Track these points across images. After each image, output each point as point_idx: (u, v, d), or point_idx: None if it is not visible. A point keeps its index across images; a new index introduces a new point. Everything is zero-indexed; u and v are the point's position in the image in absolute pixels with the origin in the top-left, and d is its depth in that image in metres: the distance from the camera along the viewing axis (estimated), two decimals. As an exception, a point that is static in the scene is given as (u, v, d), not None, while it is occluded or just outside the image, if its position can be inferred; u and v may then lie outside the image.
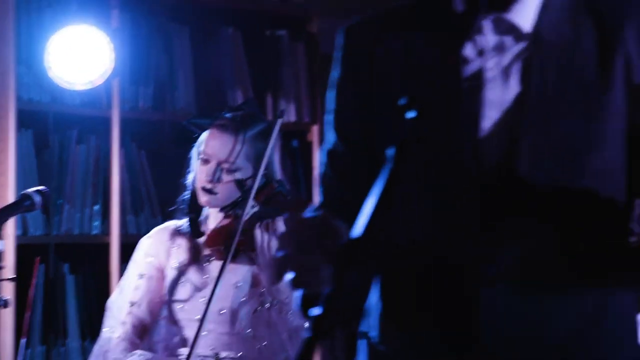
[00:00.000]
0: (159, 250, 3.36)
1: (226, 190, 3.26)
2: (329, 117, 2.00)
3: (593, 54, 1.84)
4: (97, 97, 4.44)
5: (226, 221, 3.23)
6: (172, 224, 3.41)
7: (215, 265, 3.26)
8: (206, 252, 3.30)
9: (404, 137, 1.55)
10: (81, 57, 4.18)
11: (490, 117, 1.84)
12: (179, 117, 4.50)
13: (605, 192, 1.82)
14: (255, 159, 3.24)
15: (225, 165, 3.26)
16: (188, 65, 4.73)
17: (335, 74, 1.99)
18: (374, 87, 1.92)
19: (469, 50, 1.87)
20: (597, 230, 1.82)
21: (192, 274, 3.31)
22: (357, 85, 1.95)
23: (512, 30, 1.87)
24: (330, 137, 1.99)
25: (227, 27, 4.84)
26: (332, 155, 1.99)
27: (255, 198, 3.13)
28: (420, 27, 1.91)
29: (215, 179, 3.25)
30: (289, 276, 1.66)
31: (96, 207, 4.43)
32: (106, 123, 4.46)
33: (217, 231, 3.21)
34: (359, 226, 1.46)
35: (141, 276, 3.33)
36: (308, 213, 1.68)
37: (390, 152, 1.53)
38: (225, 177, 3.26)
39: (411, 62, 1.88)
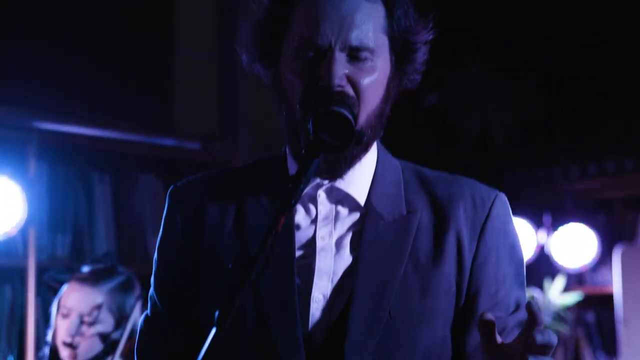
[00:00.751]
0: None
1: (88, 344, 3.23)
2: (151, 281, 1.97)
3: (426, 230, 1.86)
4: (12, 245, 4.41)
5: None
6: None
7: None
8: None
9: (230, 302, 1.54)
10: (-7, 208, 4.17)
11: (320, 286, 1.83)
12: (97, 264, 4.46)
13: None
14: (117, 311, 3.23)
15: (87, 319, 3.24)
16: (109, 212, 4.72)
17: (160, 235, 1.96)
18: (199, 250, 1.89)
19: (301, 218, 1.87)
20: None
21: None
22: (180, 248, 1.91)
23: (346, 200, 1.88)
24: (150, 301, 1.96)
25: (148, 174, 4.85)
26: (149, 320, 1.95)
27: (122, 352, 3.11)
28: (253, 190, 1.90)
29: (76, 332, 3.23)
30: None
31: (10, 359, 4.36)
32: (22, 272, 4.42)
33: None
34: None
35: None
36: None
37: (216, 315, 1.52)
38: (87, 331, 3.24)
39: (241, 225, 1.87)
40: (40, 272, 4.43)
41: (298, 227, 1.87)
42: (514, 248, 1.92)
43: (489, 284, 1.87)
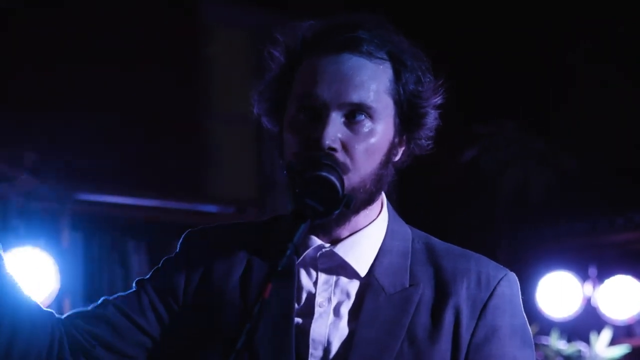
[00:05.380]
0: None
1: None
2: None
3: (426, 304, 1.83)
4: (48, 317, 4.40)
5: None
6: None
7: None
8: None
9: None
10: (27, 280, 4.17)
11: (315, 356, 1.81)
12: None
13: None
14: None
15: None
16: (145, 280, 4.71)
17: (162, 262, 1.96)
18: (199, 298, 1.88)
19: (304, 281, 1.86)
20: None
21: None
22: (174, 281, 1.91)
23: (346, 268, 1.85)
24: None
25: (183, 240, 4.85)
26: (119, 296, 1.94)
27: None
28: (262, 247, 1.88)
29: None
30: None
31: None
32: (58, 344, 4.40)
33: None
34: None
35: None
36: None
37: None
38: None
39: (246, 281, 1.86)
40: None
41: (300, 290, 1.85)
42: (522, 330, 1.87)
43: None
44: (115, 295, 1.94)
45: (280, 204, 5.47)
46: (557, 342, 5.56)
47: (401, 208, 1.97)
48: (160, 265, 1.95)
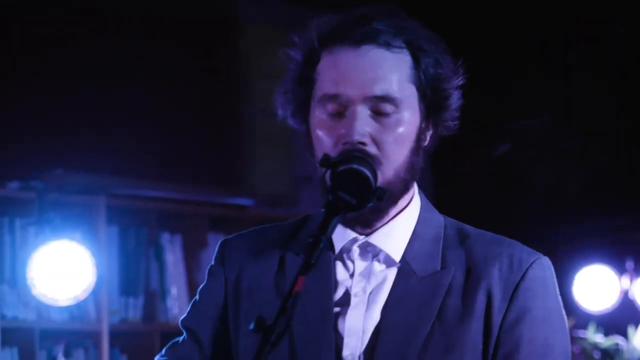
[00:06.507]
0: None
1: None
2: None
3: (458, 287, 1.83)
4: (84, 310, 4.43)
5: None
6: None
7: None
8: None
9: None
10: (64, 273, 4.20)
11: (350, 346, 1.82)
12: (170, 327, 4.48)
13: None
14: None
15: None
16: (180, 273, 4.73)
17: (205, 281, 1.97)
18: (239, 303, 1.89)
19: (340, 272, 1.86)
20: None
21: None
22: (218, 297, 1.92)
23: (381, 256, 1.86)
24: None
25: (219, 234, 4.85)
26: (173, 344, 1.95)
27: None
28: (296, 246, 1.89)
29: None
30: None
31: None
32: (95, 336, 4.43)
33: None
34: None
35: None
36: None
37: None
38: None
39: (281, 280, 1.87)
40: (113, 336, 4.44)
41: (336, 282, 1.85)
42: (555, 313, 1.85)
43: (522, 347, 1.81)
44: (164, 351, 1.96)
45: (315, 200, 5.46)
46: (594, 336, 5.53)
47: (436, 203, 1.97)
48: (197, 296, 1.97)
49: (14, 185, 4.28)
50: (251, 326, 1.59)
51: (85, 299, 4.27)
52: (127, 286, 4.56)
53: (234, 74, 5.34)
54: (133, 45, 4.88)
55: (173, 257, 4.74)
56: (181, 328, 1.96)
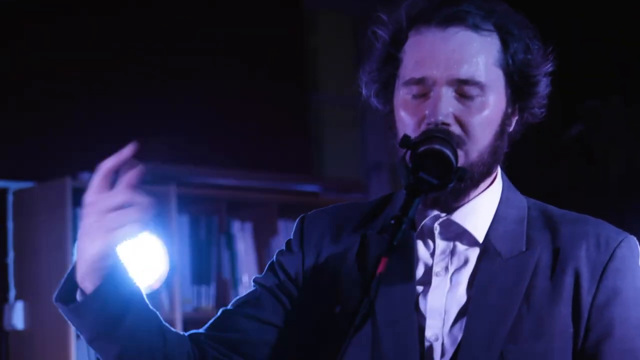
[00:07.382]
0: None
1: None
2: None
3: (545, 268, 1.80)
4: (158, 300, 4.46)
5: None
6: None
7: None
8: None
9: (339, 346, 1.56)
10: (137, 263, 4.23)
11: (433, 326, 1.80)
12: (243, 315, 4.49)
13: None
14: None
15: None
16: (251, 261, 4.74)
17: (282, 249, 1.98)
18: (317, 283, 1.90)
19: (421, 251, 1.85)
20: None
21: None
22: (291, 268, 1.93)
23: (463, 235, 1.84)
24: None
25: (289, 221, 4.85)
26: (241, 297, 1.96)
27: None
28: (377, 224, 1.89)
29: None
30: None
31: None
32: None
33: None
34: None
35: None
36: None
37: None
38: None
39: (363, 257, 1.83)
40: (186, 324, 4.46)
41: (417, 261, 1.84)
42: None
43: (615, 329, 1.78)
44: (234, 301, 1.97)
45: (384, 187, 5.44)
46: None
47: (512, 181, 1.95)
48: (274, 258, 1.97)
49: (85, 176, 4.31)
50: (337, 309, 1.58)
51: (159, 288, 4.30)
52: (199, 275, 4.58)
53: (303, 61, 5.34)
54: (201, 36, 4.90)
55: (244, 245, 4.75)
56: (254, 284, 1.97)
